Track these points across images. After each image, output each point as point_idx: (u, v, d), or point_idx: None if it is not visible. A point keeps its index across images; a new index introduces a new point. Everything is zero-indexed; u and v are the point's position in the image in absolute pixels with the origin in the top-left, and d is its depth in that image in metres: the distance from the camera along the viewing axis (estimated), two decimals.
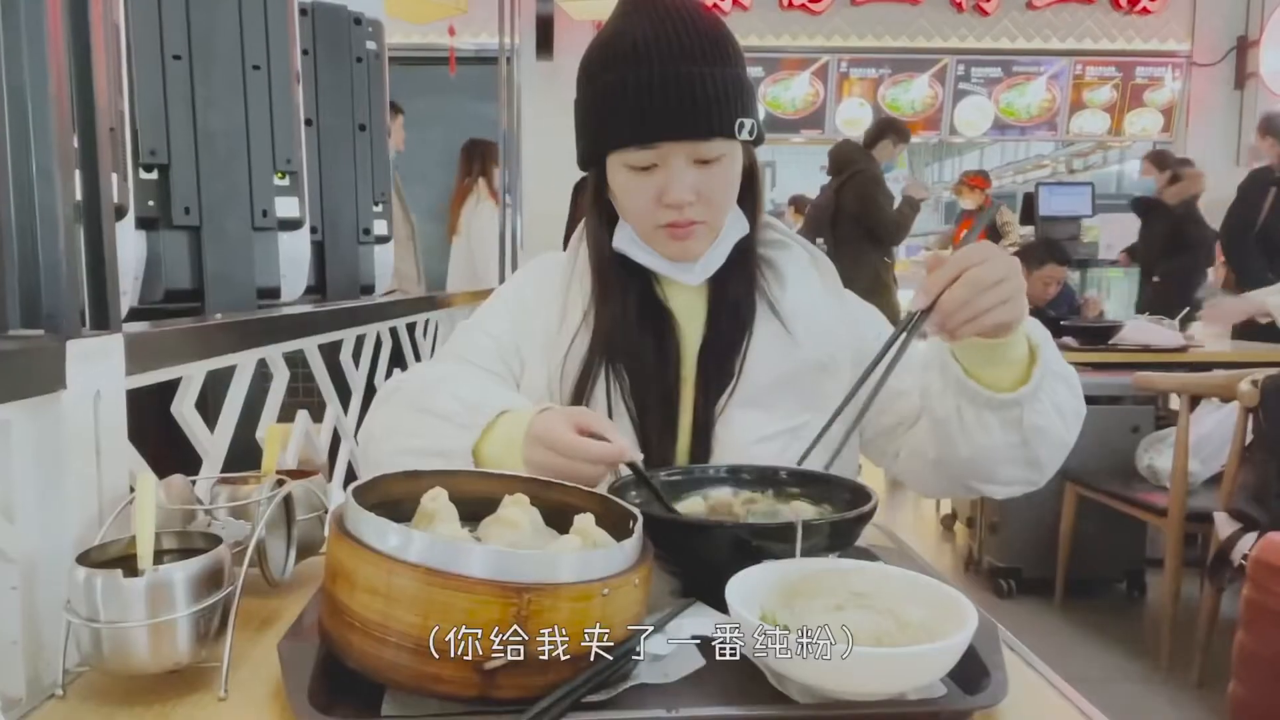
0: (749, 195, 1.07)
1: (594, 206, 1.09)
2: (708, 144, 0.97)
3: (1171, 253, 4.68)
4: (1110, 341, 3.45)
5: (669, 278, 1.08)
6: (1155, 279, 4.81)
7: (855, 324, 1.12)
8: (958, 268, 0.81)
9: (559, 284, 1.12)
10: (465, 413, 0.92)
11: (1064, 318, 3.75)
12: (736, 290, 1.07)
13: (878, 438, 1.11)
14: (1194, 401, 2.60)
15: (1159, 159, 4.78)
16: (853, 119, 5.67)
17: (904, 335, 0.87)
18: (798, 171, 9.23)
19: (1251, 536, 2.11)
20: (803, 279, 1.11)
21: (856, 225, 4.33)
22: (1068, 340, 3.49)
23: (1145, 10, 5.60)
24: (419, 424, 0.95)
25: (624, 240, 1.06)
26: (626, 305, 1.06)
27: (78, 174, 0.83)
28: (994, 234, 6.55)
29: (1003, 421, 0.91)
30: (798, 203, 6.93)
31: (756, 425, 1.03)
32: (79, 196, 0.82)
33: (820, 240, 4.47)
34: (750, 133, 1.00)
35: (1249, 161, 4.45)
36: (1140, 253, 5.02)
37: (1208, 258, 4.60)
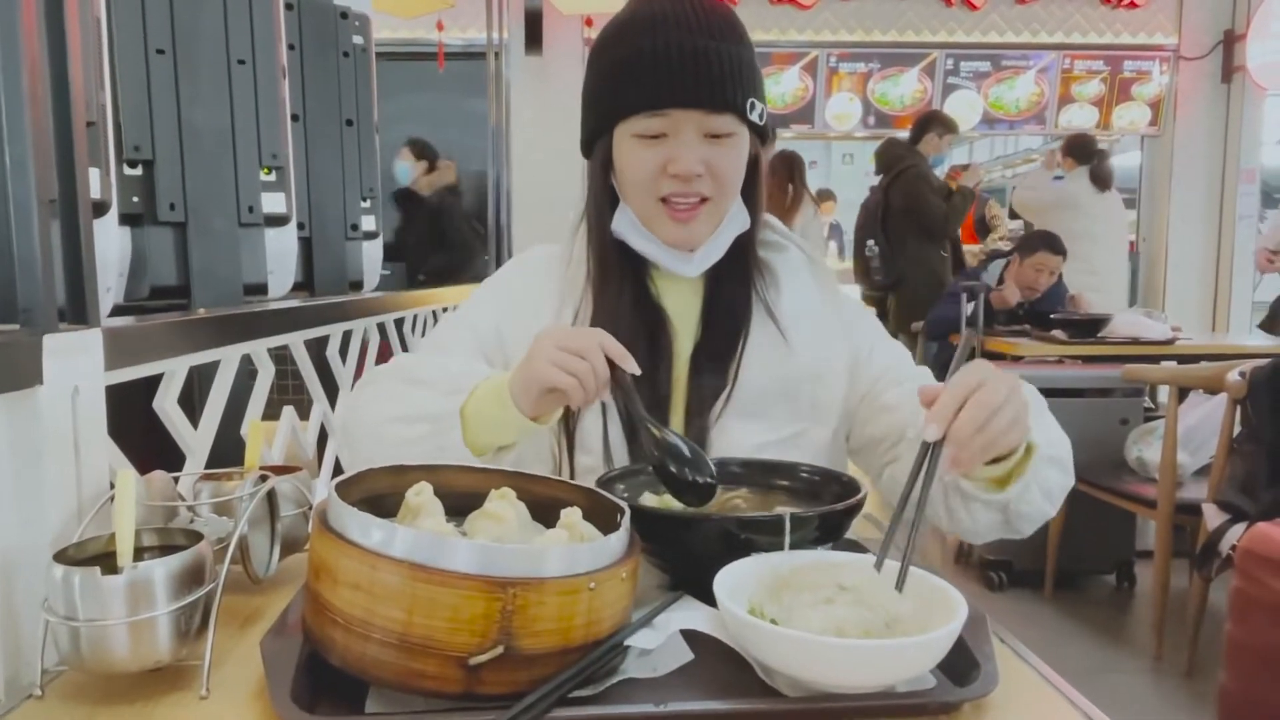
0: (751, 189, 1.06)
1: (596, 190, 1.06)
2: (718, 118, 0.97)
3: None
4: (1099, 334, 3.46)
5: (665, 272, 1.06)
6: None
7: (851, 333, 1.10)
8: (963, 393, 0.75)
9: (553, 274, 1.10)
10: (451, 380, 0.91)
11: (1054, 310, 3.76)
12: (732, 290, 1.06)
13: (864, 449, 1.08)
14: (1182, 393, 2.61)
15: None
16: (842, 114, 5.67)
17: (924, 470, 0.77)
18: None
19: (1240, 527, 2.11)
20: (798, 283, 1.10)
21: (907, 223, 4.35)
22: (1057, 334, 3.50)
23: (1133, 4, 5.60)
24: (405, 392, 0.94)
25: (623, 224, 1.04)
26: (620, 301, 1.04)
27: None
28: (982, 228, 6.57)
29: (987, 506, 0.88)
30: (823, 195, 6.93)
31: (751, 434, 1.02)
32: (55, 190, 0.81)
33: (871, 242, 4.51)
34: (760, 117, 1.00)
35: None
36: None
37: None
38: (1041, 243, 3.83)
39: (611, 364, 0.83)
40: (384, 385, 0.98)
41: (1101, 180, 4.51)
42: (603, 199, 1.06)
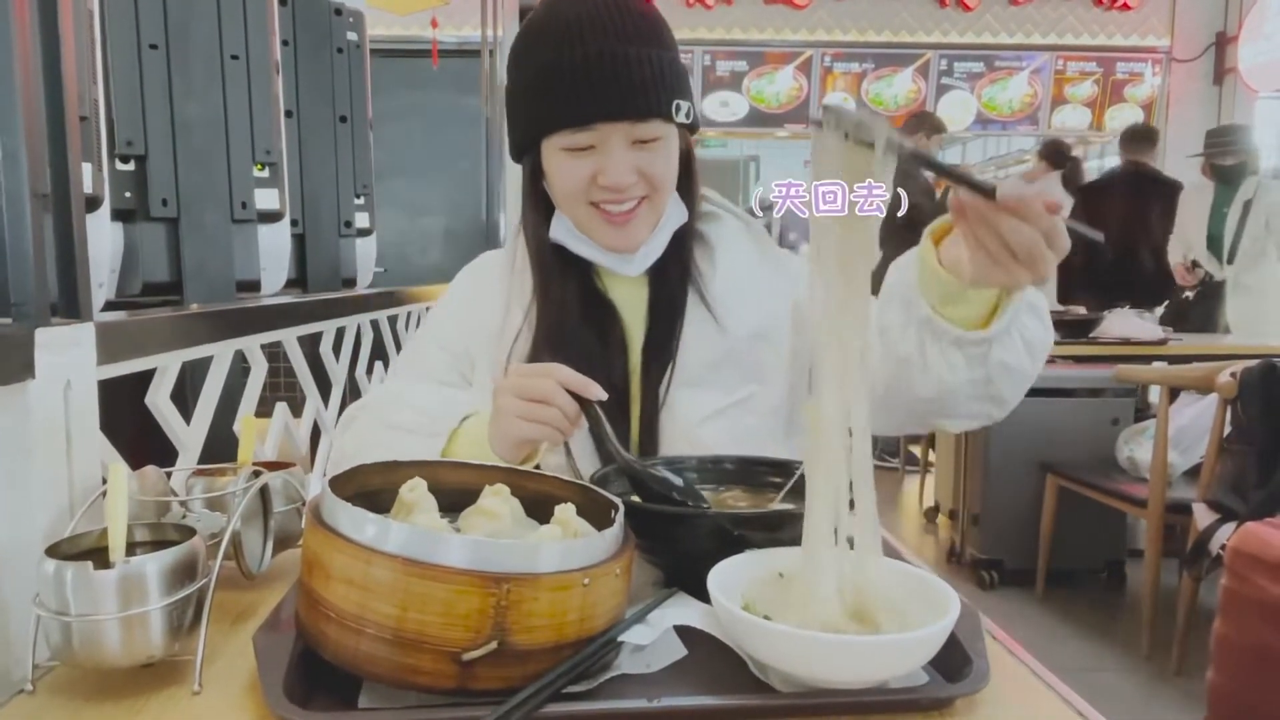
0: (685, 182, 1.06)
1: (530, 198, 1.06)
2: (645, 125, 0.96)
3: None
4: (1091, 334, 3.47)
5: (608, 269, 1.06)
6: None
7: (798, 284, 1.09)
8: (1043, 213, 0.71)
9: (500, 279, 1.10)
10: (430, 422, 0.92)
11: None
12: (674, 282, 1.06)
13: None
14: (1173, 394, 2.62)
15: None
16: None
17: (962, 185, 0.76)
18: (783, 166, 9.22)
19: (1230, 527, 2.12)
20: (735, 251, 1.09)
21: (894, 223, 4.36)
22: None
23: (1125, 6, 5.63)
24: (386, 439, 0.94)
25: (561, 231, 1.04)
26: (567, 300, 1.04)
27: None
28: None
29: (969, 359, 0.85)
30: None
31: (700, 404, 1.02)
32: (48, 184, 0.81)
33: None
34: (686, 115, 0.99)
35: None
36: None
37: None
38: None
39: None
40: (367, 432, 0.99)
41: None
42: (537, 206, 1.06)
